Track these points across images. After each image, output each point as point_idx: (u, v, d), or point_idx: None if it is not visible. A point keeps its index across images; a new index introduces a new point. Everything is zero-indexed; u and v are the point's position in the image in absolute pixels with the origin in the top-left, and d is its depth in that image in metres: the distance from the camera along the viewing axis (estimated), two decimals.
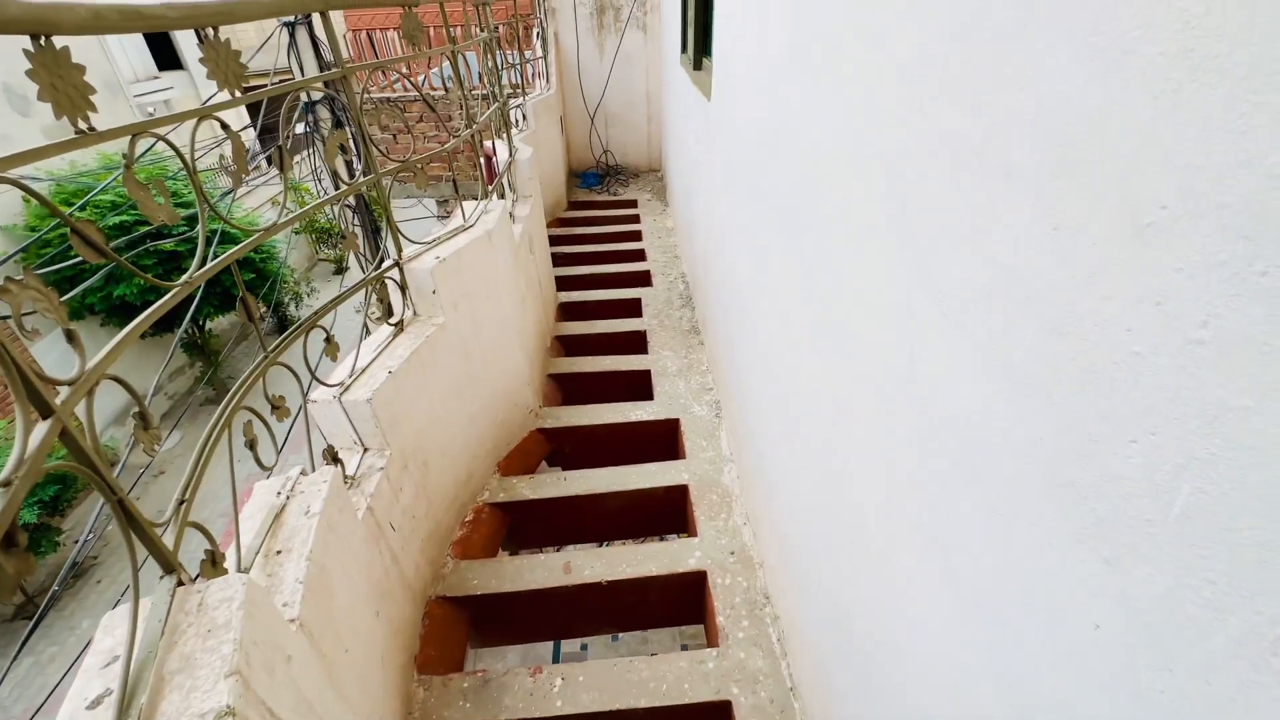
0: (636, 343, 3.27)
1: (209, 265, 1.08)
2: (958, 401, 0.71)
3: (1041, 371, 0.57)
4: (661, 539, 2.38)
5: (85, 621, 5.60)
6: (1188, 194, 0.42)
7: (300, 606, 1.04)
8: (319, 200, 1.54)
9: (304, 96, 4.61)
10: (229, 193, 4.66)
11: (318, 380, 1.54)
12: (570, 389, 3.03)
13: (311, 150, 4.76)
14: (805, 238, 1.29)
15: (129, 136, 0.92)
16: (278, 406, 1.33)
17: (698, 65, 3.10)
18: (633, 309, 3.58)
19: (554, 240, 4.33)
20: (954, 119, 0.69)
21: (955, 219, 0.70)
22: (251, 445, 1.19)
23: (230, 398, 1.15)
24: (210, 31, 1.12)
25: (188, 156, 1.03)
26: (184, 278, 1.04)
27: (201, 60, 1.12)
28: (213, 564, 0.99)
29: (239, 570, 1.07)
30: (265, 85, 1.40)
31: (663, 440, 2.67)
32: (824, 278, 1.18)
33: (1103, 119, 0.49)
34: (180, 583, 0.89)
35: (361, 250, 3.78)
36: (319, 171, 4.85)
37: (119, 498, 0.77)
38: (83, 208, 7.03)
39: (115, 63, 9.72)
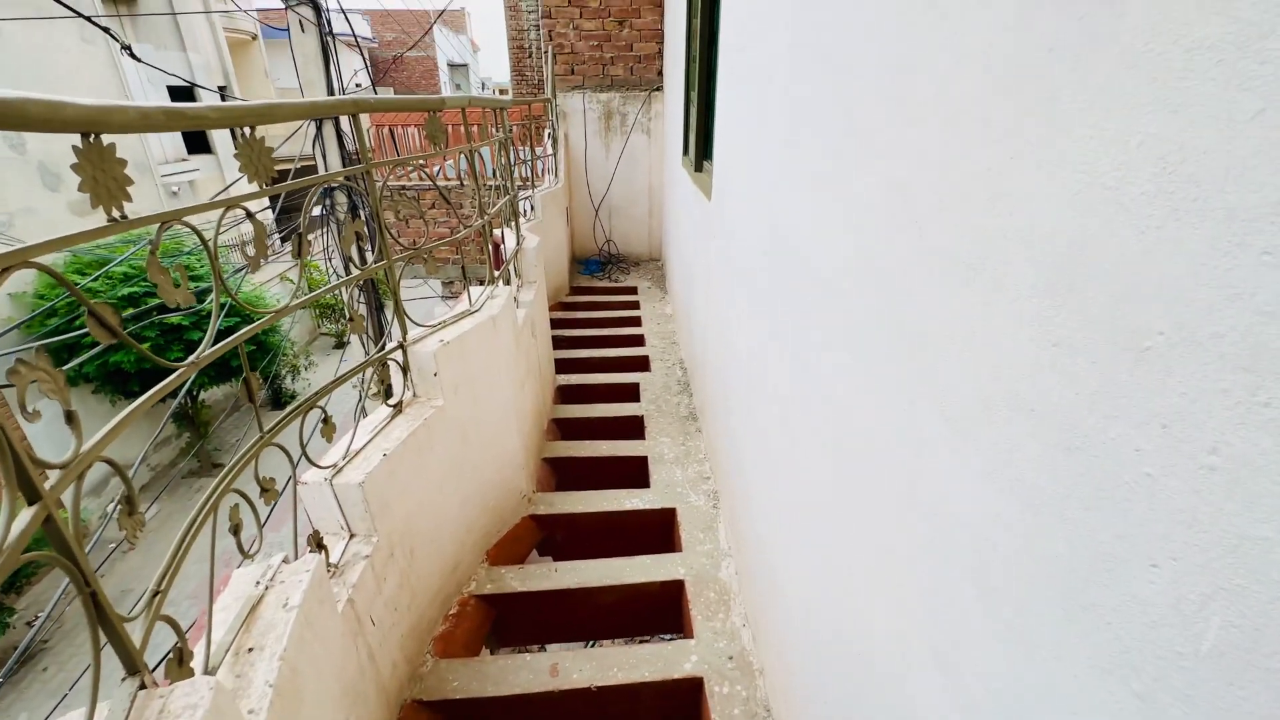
0: (634, 428, 3.25)
1: (217, 346, 1.09)
2: (967, 513, 0.70)
3: (1052, 486, 0.57)
4: (655, 640, 2.25)
5: (23, 715, 5.13)
6: (1182, 323, 0.43)
7: (267, 714, 0.96)
8: (330, 285, 1.58)
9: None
10: (241, 270, 4.80)
11: (310, 461, 1.51)
12: (565, 474, 2.97)
13: (325, 229, 4.95)
14: (804, 342, 1.31)
15: (157, 225, 0.96)
16: (267, 489, 1.30)
17: (698, 168, 3.30)
18: (630, 394, 3.59)
19: (555, 323, 4.41)
20: (948, 238, 0.73)
21: (955, 331, 0.72)
22: (235, 530, 1.15)
23: (220, 481, 1.12)
24: (247, 130, 1.20)
25: (211, 243, 1.06)
26: (191, 358, 1.05)
27: (236, 155, 1.19)
28: (179, 662, 0.92)
29: (206, 670, 0.99)
30: (290, 169, 1.48)
31: (658, 530, 2.59)
32: (824, 382, 1.19)
33: (1093, 246, 0.51)
34: (143, 685, 0.83)
35: (365, 330, 3.83)
36: (330, 250, 5.02)
37: (92, 590, 0.73)
38: (96, 279, 7.19)
39: (147, 144, 10.29)
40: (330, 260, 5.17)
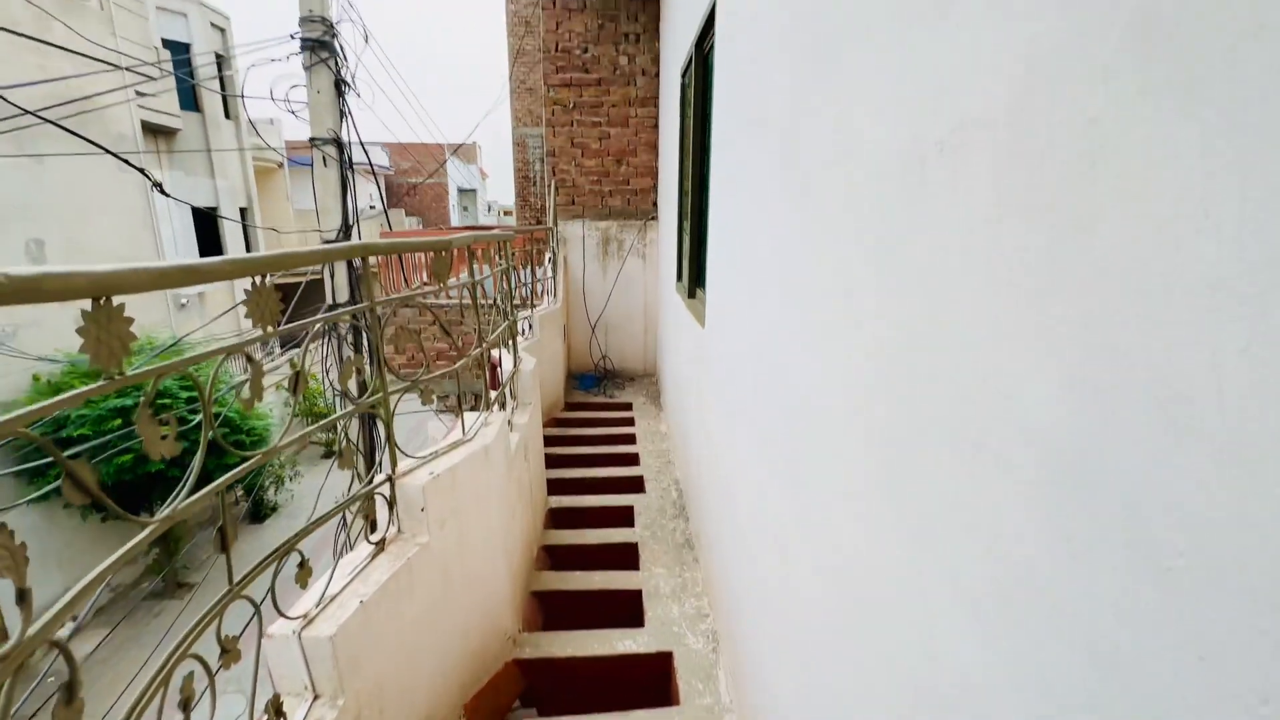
0: (627, 556, 3.10)
1: (197, 495, 1.05)
2: (990, 710, 0.64)
3: (1080, 696, 0.52)
4: None
5: None
6: (1201, 546, 0.42)
7: None
8: (329, 418, 1.57)
9: (329, 299, 5.02)
10: (242, 382, 4.81)
11: (279, 611, 1.41)
12: (554, 608, 2.78)
13: (326, 340, 5.03)
14: (806, 492, 1.28)
15: (150, 371, 0.96)
16: (228, 650, 1.19)
17: (691, 294, 3.44)
18: (624, 517, 3.46)
19: (549, 440, 4.36)
20: (943, 410, 0.73)
21: (961, 507, 0.70)
22: (186, 705, 1.04)
23: (177, 648, 1.03)
24: (259, 279, 1.24)
25: (207, 388, 1.06)
26: (165, 510, 1.01)
27: (244, 303, 1.22)
28: None
29: None
30: (300, 282, 1.51)
31: (654, 678, 2.38)
32: (828, 534, 1.15)
33: (1094, 448, 0.51)
34: None
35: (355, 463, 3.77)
36: (328, 362, 5.07)
37: None
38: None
39: (164, 257, 10.74)
40: (329, 373, 5.21)
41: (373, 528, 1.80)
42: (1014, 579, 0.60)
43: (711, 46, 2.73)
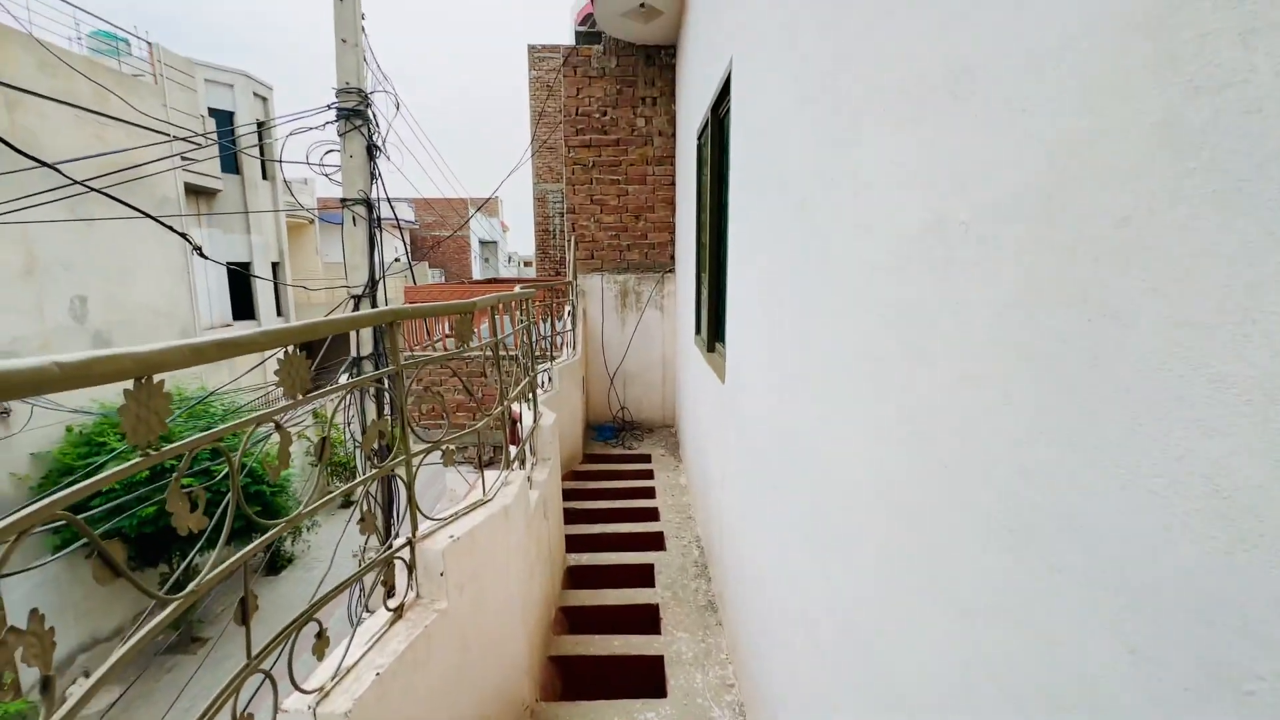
0: (648, 618, 2.99)
1: (219, 569, 1.05)
2: None
3: None
4: None
5: None
6: None
7: None
8: (352, 483, 1.57)
9: (354, 351, 5.13)
10: (265, 439, 4.87)
11: (295, 686, 1.37)
12: (573, 676, 2.68)
13: (347, 396, 5.10)
14: (831, 568, 1.24)
15: (188, 455, 0.97)
16: None
17: (710, 348, 3.45)
18: (645, 576, 3.37)
19: (567, 494, 4.31)
20: (980, 495, 0.71)
21: (1007, 606, 0.66)
22: None
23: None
24: (291, 349, 1.27)
25: (236, 463, 1.07)
26: (194, 584, 1.00)
27: (276, 372, 1.25)
28: None
29: None
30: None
31: None
32: (855, 616, 1.10)
33: (1152, 556, 0.48)
34: None
35: (375, 526, 3.76)
36: (349, 413, 5.13)
37: None
38: (122, 437, 7.31)
39: (197, 310, 11.13)
40: (350, 426, 5.26)
41: (389, 590, 1.77)
42: (1071, 688, 0.57)
43: (727, 112, 2.83)
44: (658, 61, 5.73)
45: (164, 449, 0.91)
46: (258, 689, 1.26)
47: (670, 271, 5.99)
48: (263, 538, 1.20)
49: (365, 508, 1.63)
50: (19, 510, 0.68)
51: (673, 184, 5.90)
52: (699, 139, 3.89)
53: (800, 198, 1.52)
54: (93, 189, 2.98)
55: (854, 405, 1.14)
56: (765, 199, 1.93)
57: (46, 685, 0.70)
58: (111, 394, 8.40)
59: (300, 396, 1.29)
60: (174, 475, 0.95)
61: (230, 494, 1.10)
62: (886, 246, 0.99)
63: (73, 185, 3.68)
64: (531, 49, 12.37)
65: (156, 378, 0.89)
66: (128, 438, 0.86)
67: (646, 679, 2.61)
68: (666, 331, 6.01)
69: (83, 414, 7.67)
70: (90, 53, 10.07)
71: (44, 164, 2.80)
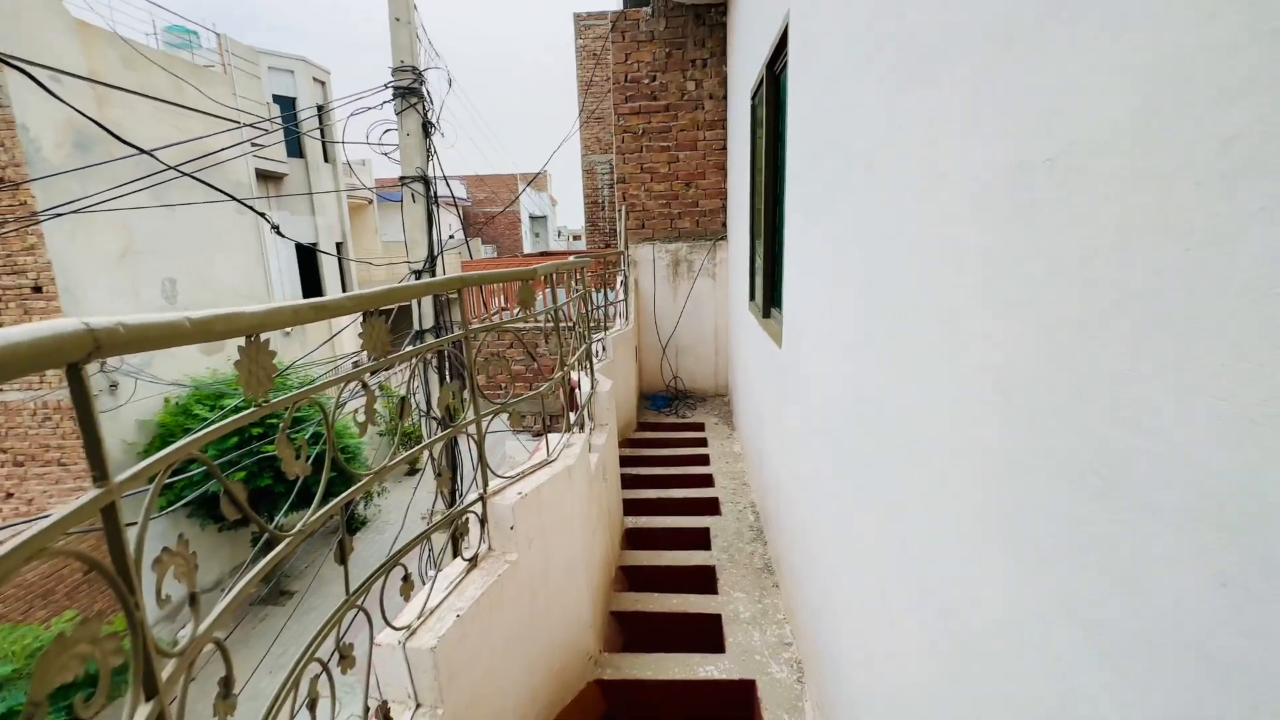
0: (705, 579, 3.06)
1: (320, 511, 1.15)
2: None
3: None
4: None
5: None
6: None
7: None
8: (424, 442, 1.67)
9: (416, 324, 5.35)
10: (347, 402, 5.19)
11: (386, 622, 1.50)
12: (633, 630, 2.79)
13: (412, 365, 5.35)
14: (902, 524, 1.24)
15: (290, 405, 1.07)
16: (345, 655, 1.29)
17: (766, 314, 3.41)
18: (700, 539, 3.43)
19: (623, 461, 4.41)
20: (1066, 442, 0.70)
21: (1092, 546, 0.66)
22: (313, 705, 1.13)
23: (305, 652, 1.12)
24: (372, 313, 1.35)
25: (331, 414, 1.17)
26: (298, 526, 1.11)
27: (360, 335, 1.33)
28: None
29: None
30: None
31: (736, 706, 2.33)
32: (927, 566, 1.10)
33: (1253, 487, 0.47)
34: None
35: (449, 482, 3.94)
36: (414, 384, 5.38)
37: None
38: (213, 409, 7.94)
39: (272, 291, 11.82)
40: (416, 395, 5.53)
41: (454, 546, 1.89)
42: (1157, 626, 0.56)
43: (784, 67, 2.74)
44: (707, 20, 5.56)
45: (273, 400, 1.00)
46: (350, 624, 1.38)
47: (722, 239, 5.91)
48: (359, 484, 1.30)
49: (442, 463, 1.74)
50: (163, 450, 0.77)
51: (724, 149, 5.78)
52: (753, 99, 3.78)
53: (867, 150, 1.47)
54: (186, 173, 3.21)
55: (927, 360, 1.12)
56: (828, 155, 1.88)
57: (193, 600, 0.80)
58: (199, 369, 9.11)
59: (382, 358, 1.37)
60: (280, 426, 1.05)
61: (328, 449, 1.20)
62: (963, 195, 0.95)
63: (161, 173, 3.96)
64: (578, 17, 12.21)
65: (263, 337, 0.98)
66: (243, 389, 0.95)
67: (704, 636, 2.68)
68: (719, 300, 5.97)
69: (178, 386, 8.35)
70: (166, 47, 10.63)
71: (144, 151, 3.02)
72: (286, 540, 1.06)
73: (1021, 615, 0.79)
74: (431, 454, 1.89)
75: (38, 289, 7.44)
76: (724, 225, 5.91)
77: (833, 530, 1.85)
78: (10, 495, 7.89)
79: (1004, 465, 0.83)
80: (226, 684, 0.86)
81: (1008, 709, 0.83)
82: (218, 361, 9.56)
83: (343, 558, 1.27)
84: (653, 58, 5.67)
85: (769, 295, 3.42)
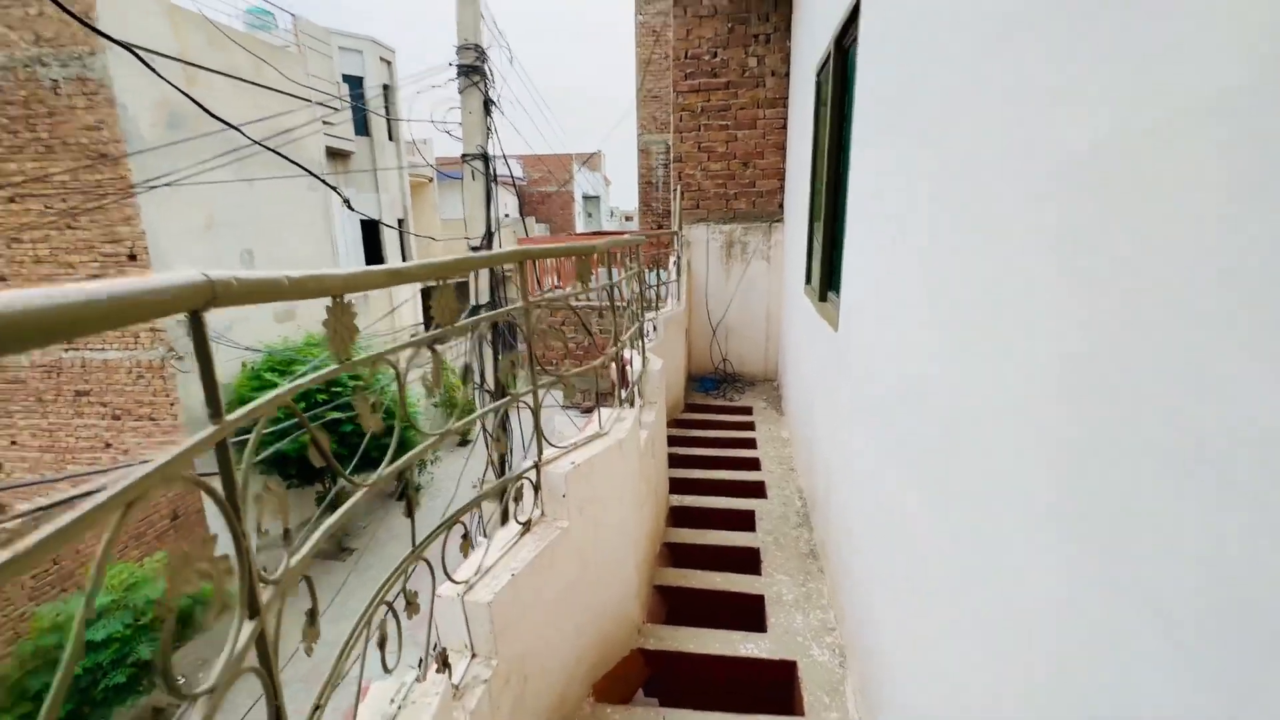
0: (749, 560, 3.08)
1: (391, 468, 1.22)
2: None
3: None
4: None
5: None
6: None
7: None
8: (483, 409, 1.74)
9: (473, 299, 5.50)
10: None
11: (448, 576, 1.59)
12: (676, 604, 2.84)
13: (471, 339, 5.53)
14: (962, 512, 1.21)
15: (371, 365, 1.13)
16: (411, 602, 1.37)
17: (822, 297, 3.34)
18: (745, 521, 3.44)
19: (670, 440, 4.44)
20: (1144, 427, 0.67)
21: (1173, 533, 0.63)
22: (382, 644, 1.21)
23: (377, 594, 1.21)
24: (442, 281, 1.41)
25: (402, 376, 1.23)
26: (374, 477, 1.18)
27: (429, 302, 1.39)
28: None
29: None
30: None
31: (776, 685, 2.35)
32: (988, 558, 1.08)
33: None
34: None
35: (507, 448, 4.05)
36: (469, 356, 5.57)
37: (278, 703, 0.80)
38: (282, 375, 8.43)
39: (338, 263, 12.38)
40: (470, 371, 5.72)
41: (504, 514, 1.97)
42: (1235, 610, 0.54)
43: (854, 41, 2.64)
44: None
45: (354, 359, 1.07)
46: (412, 573, 1.47)
47: (779, 221, 5.79)
48: (428, 441, 1.37)
49: (498, 430, 1.81)
50: (263, 398, 0.84)
51: (784, 127, 5.63)
52: (818, 75, 3.67)
53: (942, 125, 1.42)
54: (269, 148, 3.39)
55: (994, 342, 1.08)
56: (898, 131, 1.82)
57: (286, 536, 0.88)
58: (272, 335, 9.67)
59: (451, 325, 1.43)
60: (359, 384, 1.12)
61: (399, 408, 1.27)
62: (1049, 169, 0.91)
63: (244, 148, 4.20)
64: None
65: (347, 298, 1.04)
66: (330, 347, 1.02)
67: (745, 615, 2.71)
68: (773, 283, 5.87)
69: (253, 350, 8.90)
70: (246, 28, 11.15)
71: (233, 127, 3.21)
72: (362, 490, 1.13)
73: (1088, 604, 0.77)
74: (483, 424, 1.97)
75: (133, 256, 8.05)
76: (780, 207, 5.78)
77: (883, 515, 1.82)
78: (109, 445, 8.66)
79: (1078, 450, 0.81)
80: (311, 614, 0.93)
81: (1068, 701, 0.81)
82: (289, 329, 10.13)
83: (410, 511, 1.35)
84: (714, 33, 5.55)
85: (826, 278, 3.34)
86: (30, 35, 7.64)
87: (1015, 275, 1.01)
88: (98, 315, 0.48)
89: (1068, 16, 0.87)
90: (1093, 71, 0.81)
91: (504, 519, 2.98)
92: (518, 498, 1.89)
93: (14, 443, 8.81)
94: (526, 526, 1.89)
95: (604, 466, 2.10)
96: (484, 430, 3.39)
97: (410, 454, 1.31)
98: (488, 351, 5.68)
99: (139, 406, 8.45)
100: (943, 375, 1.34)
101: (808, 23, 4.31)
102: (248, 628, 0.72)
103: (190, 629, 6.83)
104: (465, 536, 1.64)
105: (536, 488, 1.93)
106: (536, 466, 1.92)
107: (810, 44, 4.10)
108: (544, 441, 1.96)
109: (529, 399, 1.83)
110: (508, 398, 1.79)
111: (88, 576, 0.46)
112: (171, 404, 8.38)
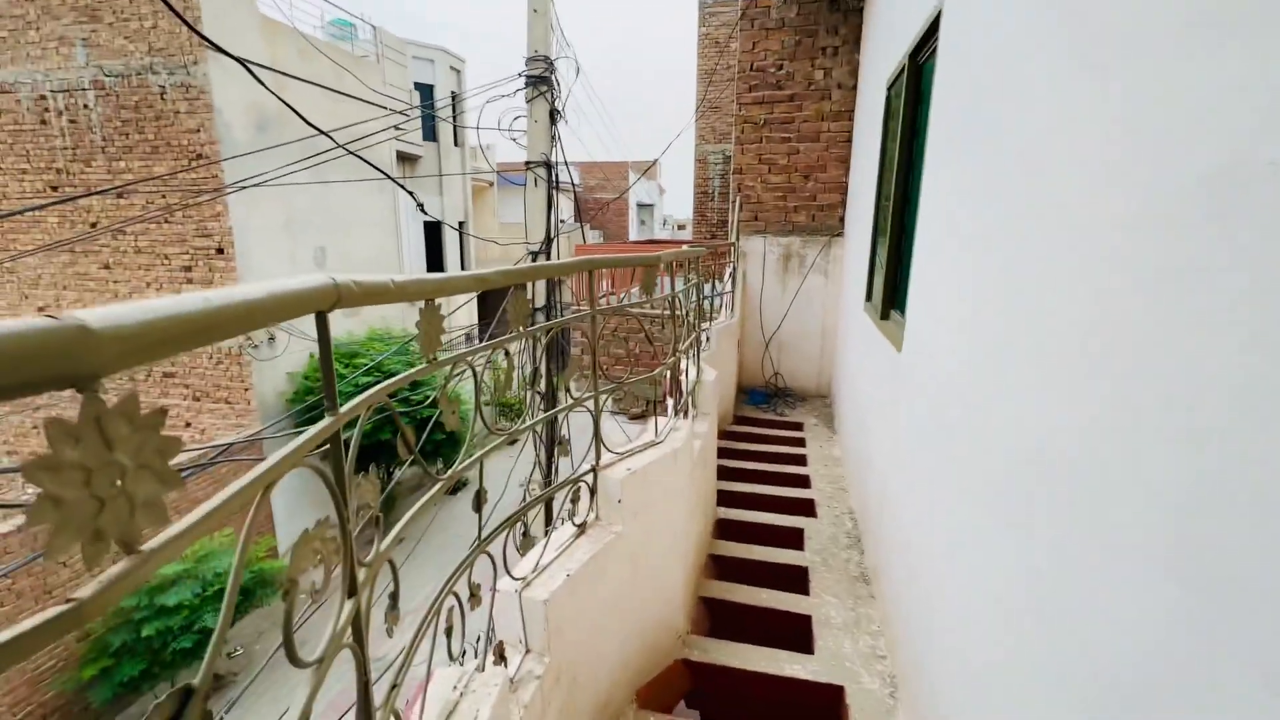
0: (796, 579, 3.03)
1: (461, 465, 1.28)
2: None
3: None
4: None
5: None
6: None
7: None
8: (550, 412, 1.79)
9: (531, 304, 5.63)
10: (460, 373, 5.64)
11: (507, 571, 1.64)
12: (720, 617, 2.82)
13: (526, 343, 5.67)
14: (1032, 541, 1.16)
15: (451, 365, 1.19)
16: (474, 594, 1.42)
17: (884, 315, 3.27)
18: (794, 539, 3.38)
19: (719, 452, 4.42)
20: (1249, 461, 0.64)
21: (1248, 573, 0.60)
22: (449, 633, 1.27)
23: (445, 584, 1.26)
24: (516, 285, 1.47)
25: (482, 375, 1.29)
26: (449, 473, 1.24)
27: (505, 306, 1.45)
28: None
29: None
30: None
31: (821, 710, 2.30)
32: (1062, 600, 1.04)
33: None
34: None
35: (567, 450, 4.14)
36: (521, 359, 5.71)
37: (366, 679, 0.85)
38: (346, 366, 8.83)
39: (403, 264, 12.90)
40: (524, 370, 5.86)
41: (547, 514, 2.01)
42: None
43: (931, 55, 2.59)
44: (842, 5, 5.33)
45: (441, 359, 1.13)
46: (472, 568, 1.52)
47: (839, 235, 5.69)
48: (495, 443, 1.43)
49: (560, 434, 1.86)
50: (367, 392, 0.90)
51: (848, 141, 5.54)
52: (889, 89, 3.60)
53: (1026, 148, 1.38)
54: (352, 153, 3.60)
55: (1083, 378, 1.05)
56: (976, 152, 1.77)
57: (377, 521, 0.93)
58: (339, 330, 10.16)
59: (523, 329, 1.49)
60: (441, 384, 1.18)
61: (476, 407, 1.33)
62: (1150, 198, 0.88)
63: (327, 151, 4.46)
64: (703, 3, 12.13)
65: (437, 301, 1.10)
66: (421, 347, 1.08)
67: (791, 635, 2.66)
68: (829, 299, 5.77)
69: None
70: (329, 38, 11.85)
71: (323, 133, 3.42)
72: (441, 481, 1.19)
73: (1189, 662, 0.73)
74: (536, 431, 2.01)
75: (220, 250, 8.65)
76: (841, 221, 5.68)
77: (946, 547, 1.76)
78: (189, 424, 9.30)
79: (1187, 495, 0.77)
80: (394, 597, 0.99)
81: None
82: (354, 324, 10.64)
83: (478, 505, 1.41)
84: (781, 46, 5.53)
85: (889, 297, 3.27)
86: (144, 46, 8.36)
87: (1107, 308, 0.97)
88: (264, 311, 0.54)
89: (1166, 48, 0.84)
90: (1211, 96, 0.78)
91: (548, 519, 3.03)
92: (574, 499, 1.93)
93: None
94: (582, 529, 1.92)
95: (658, 475, 2.12)
96: (534, 434, 3.48)
97: (481, 451, 1.36)
98: (542, 354, 5.81)
99: (216, 390, 9.05)
100: (1025, 408, 1.30)
101: (879, 36, 4.24)
102: (348, 606, 0.78)
103: (249, 603, 7.22)
104: (525, 534, 1.69)
105: (593, 491, 1.97)
106: (594, 470, 1.96)
107: (881, 57, 4.03)
108: (602, 446, 2.00)
109: (590, 404, 1.87)
110: (571, 402, 1.83)
111: (234, 544, 0.51)
112: (246, 389, 8.93)
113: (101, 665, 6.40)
